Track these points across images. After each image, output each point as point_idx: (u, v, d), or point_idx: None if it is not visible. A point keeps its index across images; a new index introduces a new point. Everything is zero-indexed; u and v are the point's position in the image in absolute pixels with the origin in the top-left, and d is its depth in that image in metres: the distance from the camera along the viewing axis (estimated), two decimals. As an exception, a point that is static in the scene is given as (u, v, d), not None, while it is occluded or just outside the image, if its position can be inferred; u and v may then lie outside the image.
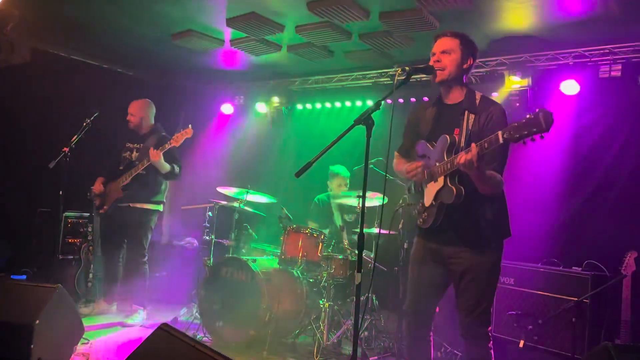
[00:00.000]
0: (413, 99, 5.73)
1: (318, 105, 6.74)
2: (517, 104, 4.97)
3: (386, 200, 4.71)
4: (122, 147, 5.18)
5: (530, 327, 3.96)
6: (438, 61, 2.77)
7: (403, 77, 2.67)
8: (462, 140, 2.67)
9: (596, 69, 4.64)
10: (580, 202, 4.68)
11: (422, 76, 5.52)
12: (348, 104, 6.45)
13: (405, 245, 4.96)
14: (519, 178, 4.59)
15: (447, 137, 2.66)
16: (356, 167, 5.49)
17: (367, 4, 4.28)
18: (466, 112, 2.71)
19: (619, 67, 4.46)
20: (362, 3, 4.27)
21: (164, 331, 2.59)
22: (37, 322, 3.11)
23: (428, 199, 2.74)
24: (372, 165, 4.75)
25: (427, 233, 2.83)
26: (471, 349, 2.74)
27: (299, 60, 5.91)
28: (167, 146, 4.78)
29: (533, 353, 3.98)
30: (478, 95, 2.78)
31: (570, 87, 4.74)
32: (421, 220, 2.81)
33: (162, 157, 4.78)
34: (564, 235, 4.65)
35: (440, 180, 2.66)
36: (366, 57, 5.58)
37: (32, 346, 3.07)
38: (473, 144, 2.40)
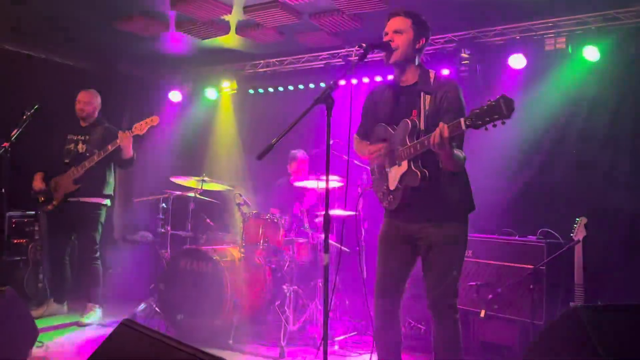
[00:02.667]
0: (366, 79, 5.73)
1: (270, 89, 6.62)
2: (467, 80, 5.04)
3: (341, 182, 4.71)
4: (63, 139, 4.92)
5: (490, 296, 4.06)
6: (391, 40, 2.75)
7: (359, 55, 2.64)
8: (422, 122, 2.68)
9: (542, 42, 4.75)
10: (532, 172, 4.83)
11: (378, 56, 5.57)
12: (301, 86, 6.38)
13: (366, 226, 5.00)
14: (471, 151, 4.65)
15: (409, 121, 2.66)
16: (313, 151, 5.45)
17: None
18: (422, 94, 2.72)
19: (564, 39, 4.59)
20: (311, -19, 4.20)
21: (127, 327, 2.48)
22: (-14, 328, 2.93)
23: (392, 183, 2.76)
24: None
25: (394, 213, 2.84)
26: (438, 322, 2.77)
27: (248, 43, 5.78)
28: (129, 134, 4.60)
29: (494, 321, 4.09)
30: (432, 74, 2.78)
31: (517, 61, 4.84)
32: (386, 202, 2.83)
33: (131, 141, 4.62)
34: (517, 206, 4.79)
35: (404, 164, 2.67)
36: (317, 39, 5.51)
37: (-18, 354, 2.90)
38: (444, 125, 2.39)
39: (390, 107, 2.85)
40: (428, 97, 2.70)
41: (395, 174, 2.74)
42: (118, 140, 4.59)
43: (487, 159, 4.65)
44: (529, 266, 3.99)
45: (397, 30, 2.75)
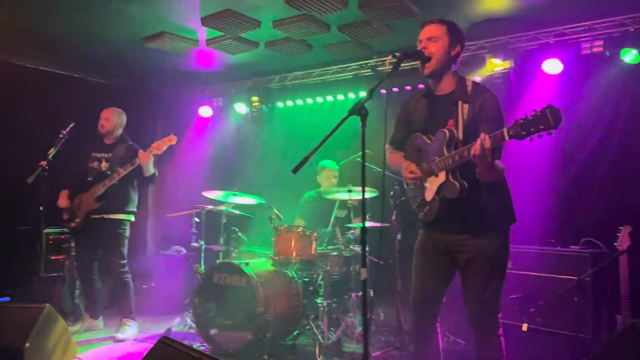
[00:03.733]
0: (395, 89, 5.67)
1: (299, 102, 6.63)
2: (501, 87, 4.95)
3: (377, 193, 4.64)
4: (88, 157, 4.99)
5: (532, 309, 3.93)
6: (425, 48, 2.69)
7: (393, 64, 2.60)
8: (460, 132, 2.61)
9: (578, 47, 4.62)
10: (571, 180, 4.68)
11: (412, 64, 5.52)
12: (330, 98, 6.36)
13: (399, 237, 4.91)
14: (508, 161, 4.56)
15: (446, 131, 2.59)
16: (342, 162, 5.40)
17: (345, -8, 4.20)
18: (460, 102, 2.65)
19: (601, 42, 4.45)
20: (340, -8, 4.19)
21: (165, 344, 2.48)
22: (27, 344, 2.96)
23: (429, 194, 2.69)
24: (359, 159, 4.68)
25: (431, 224, 2.77)
26: (480, 340, 2.69)
27: (277, 57, 5.80)
28: (149, 153, 4.64)
29: (537, 335, 3.95)
30: (469, 83, 2.72)
31: (552, 66, 4.72)
32: (423, 214, 2.76)
33: (152, 159, 4.65)
34: (558, 215, 4.64)
35: (442, 175, 2.60)
36: (346, 49, 5.50)
37: (23, 371, 2.93)
38: (486, 135, 2.33)
39: (425, 117, 2.79)
40: (466, 106, 2.62)
41: (432, 185, 2.67)
42: (137, 159, 4.64)
43: (524, 166, 4.53)
44: (572, 277, 3.85)
45: (432, 38, 2.70)
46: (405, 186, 2.94)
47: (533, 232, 4.42)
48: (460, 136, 2.59)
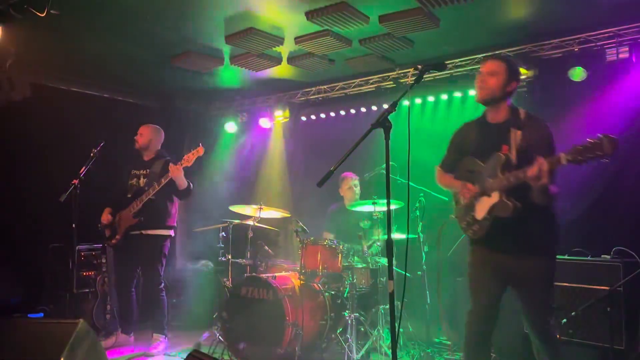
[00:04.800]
0: (418, 100, 5.69)
1: (322, 115, 6.69)
2: (525, 95, 4.91)
3: (403, 204, 4.65)
4: (128, 174, 5.11)
5: (564, 320, 3.85)
6: (483, 81, 2.92)
7: (417, 76, 2.70)
8: (514, 156, 2.79)
9: (603, 53, 4.57)
10: (601, 188, 4.57)
11: (433, 75, 5.55)
12: (352, 111, 6.40)
13: (426, 249, 4.90)
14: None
15: (502, 155, 2.80)
16: (367, 175, 5.42)
17: (365, 8, 4.24)
18: (512, 129, 2.84)
19: (626, 49, 4.39)
20: (361, 7, 4.23)
21: (196, 358, 2.52)
22: (62, 359, 3.02)
23: (481, 213, 2.86)
24: (383, 171, 4.69)
25: (484, 242, 2.93)
26: (543, 343, 2.88)
27: (300, 72, 5.87)
28: (179, 166, 4.73)
29: (570, 347, 3.86)
30: (522, 112, 2.92)
31: (577, 74, 4.67)
32: (471, 232, 2.94)
33: (182, 172, 4.74)
34: (588, 224, 4.53)
35: (495, 195, 2.78)
36: (367, 63, 5.54)
37: (58, 385, 2.99)
38: (542, 159, 2.52)
39: (479, 142, 2.98)
40: (519, 133, 2.82)
41: (484, 204, 2.83)
42: (169, 173, 4.74)
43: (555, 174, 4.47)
44: (604, 287, 3.76)
45: (491, 72, 2.91)
46: (456, 205, 3.09)
47: (564, 242, 4.31)
48: (515, 161, 2.78)
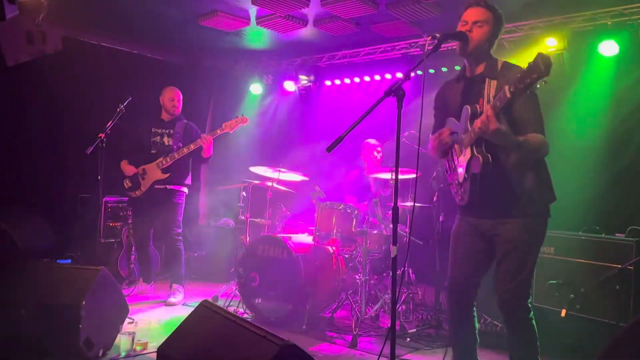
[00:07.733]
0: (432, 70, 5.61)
1: (347, 80, 6.67)
2: (554, 69, 4.79)
3: (419, 174, 4.66)
4: (149, 132, 5.22)
5: (572, 295, 3.88)
6: (469, 31, 2.65)
7: (433, 45, 2.58)
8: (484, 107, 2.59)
9: (637, 28, 4.42)
10: (621, 166, 4.51)
11: (454, 45, 5.43)
12: (377, 77, 6.36)
13: (441, 218, 4.92)
14: (556, 144, 4.45)
15: (469, 107, 2.60)
16: (388, 142, 5.44)
17: (393, -29, 4.18)
18: (487, 80, 2.65)
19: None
20: (388, -29, 4.17)
21: (206, 307, 2.66)
22: (83, 302, 3.22)
23: (461, 174, 2.69)
24: (404, 139, 4.71)
25: (466, 209, 2.79)
26: (511, 324, 2.69)
27: (325, 35, 5.84)
28: (219, 132, 4.92)
29: (576, 322, 3.90)
30: (500, 63, 2.70)
31: (608, 48, 4.54)
32: (459, 198, 2.77)
33: (212, 143, 5.02)
34: (605, 202, 4.49)
35: (468, 151, 2.61)
36: (394, 29, 5.47)
37: (80, 326, 3.19)
38: (487, 106, 2.37)
39: (460, 100, 2.78)
40: (493, 83, 2.62)
41: (462, 163, 2.68)
42: (199, 141, 4.94)
43: (572, 150, 4.42)
44: (616, 265, 3.76)
45: (477, 22, 2.66)
46: (447, 173, 2.92)
47: (579, 219, 4.33)
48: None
